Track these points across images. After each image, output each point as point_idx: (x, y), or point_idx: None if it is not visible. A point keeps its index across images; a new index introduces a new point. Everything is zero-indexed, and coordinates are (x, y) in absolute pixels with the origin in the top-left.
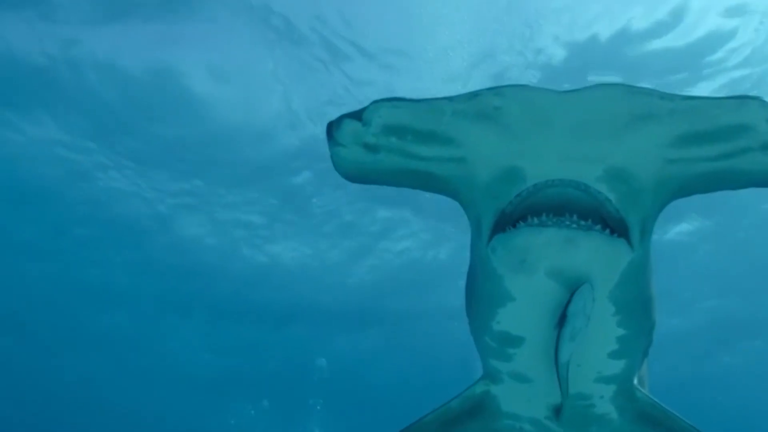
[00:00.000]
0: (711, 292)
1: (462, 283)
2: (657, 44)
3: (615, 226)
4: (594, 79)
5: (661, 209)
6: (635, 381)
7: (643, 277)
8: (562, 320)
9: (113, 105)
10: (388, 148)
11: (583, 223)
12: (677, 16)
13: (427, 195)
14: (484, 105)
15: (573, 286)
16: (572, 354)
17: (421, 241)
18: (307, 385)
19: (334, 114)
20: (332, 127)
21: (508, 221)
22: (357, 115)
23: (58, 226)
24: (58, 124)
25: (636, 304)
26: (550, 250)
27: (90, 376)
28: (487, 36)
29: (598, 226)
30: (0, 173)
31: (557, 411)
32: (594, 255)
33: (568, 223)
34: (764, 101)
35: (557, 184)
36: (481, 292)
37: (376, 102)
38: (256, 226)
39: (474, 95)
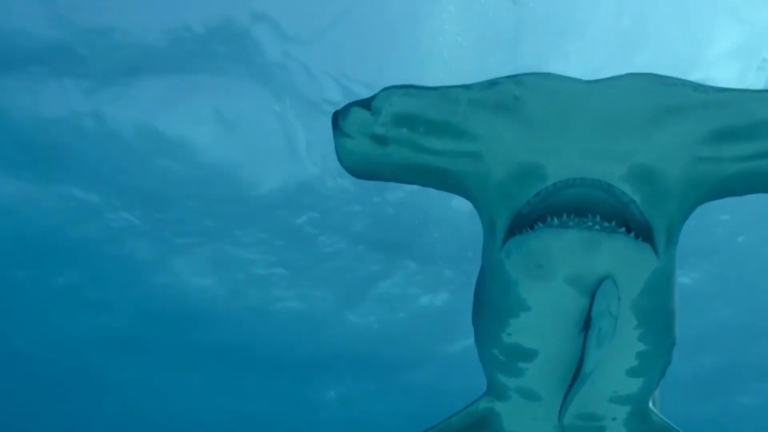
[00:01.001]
0: (722, 336)
1: (462, 326)
2: None
3: (639, 231)
4: None
5: (689, 214)
6: (650, 403)
7: (668, 288)
8: (586, 326)
9: (122, 152)
10: (398, 140)
11: (606, 224)
12: (684, 61)
13: (427, 241)
14: (502, 94)
15: (593, 294)
16: (597, 364)
17: (421, 287)
18: (315, 422)
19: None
20: (338, 117)
21: (524, 223)
22: (366, 104)
23: (62, 269)
24: (71, 173)
25: (658, 318)
26: (570, 254)
27: (95, 423)
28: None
29: (623, 229)
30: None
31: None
32: (618, 260)
33: (590, 224)
34: None
35: (579, 184)
36: (491, 301)
37: (386, 89)
38: (261, 271)
39: (492, 83)
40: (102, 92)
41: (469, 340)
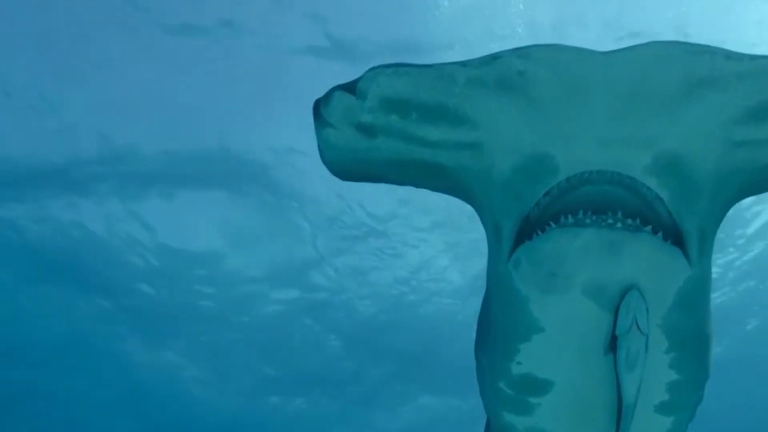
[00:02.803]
0: None
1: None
2: None
3: (667, 234)
4: None
5: (724, 213)
6: None
7: (702, 304)
8: (612, 349)
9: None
10: (387, 129)
11: (630, 222)
12: None
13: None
14: (504, 70)
15: (616, 309)
16: (639, 391)
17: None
18: None
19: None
20: (320, 104)
21: (534, 229)
22: (350, 87)
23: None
24: (79, 288)
25: (693, 341)
26: (588, 258)
27: None
28: None
29: (649, 227)
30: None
31: None
32: (644, 265)
33: (611, 221)
34: None
35: (595, 180)
36: (498, 324)
37: (373, 69)
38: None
39: (493, 58)
40: (121, 203)
41: None
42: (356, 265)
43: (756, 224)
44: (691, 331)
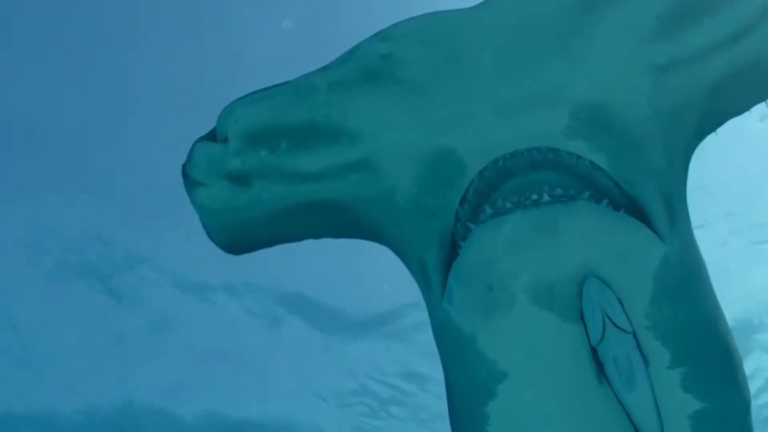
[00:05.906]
0: None
1: None
2: None
3: (620, 205)
4: None
5: (686, 166)
6: None
7: (698, 294)
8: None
9: None
10: (260, 170)
11: (560, 192)
12: None
13: None
14: (367, 59)
15: (582, 311)
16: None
17: None
18: None
19: None
20: (185, 165)
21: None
22: (210, 134)
23: None
24: None
25: (702, 349)
26: (520, 251)
27: None
28: None
29: (587, 194)
30: None
31: None
32: (592, 242)
33: (535, 197)
34: None
35: (513, 169)
36: (459, 393)
37: (227, 105)
38: None
39: (351, 51)
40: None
41: None
42: None
43: None
44: (694, 334)
